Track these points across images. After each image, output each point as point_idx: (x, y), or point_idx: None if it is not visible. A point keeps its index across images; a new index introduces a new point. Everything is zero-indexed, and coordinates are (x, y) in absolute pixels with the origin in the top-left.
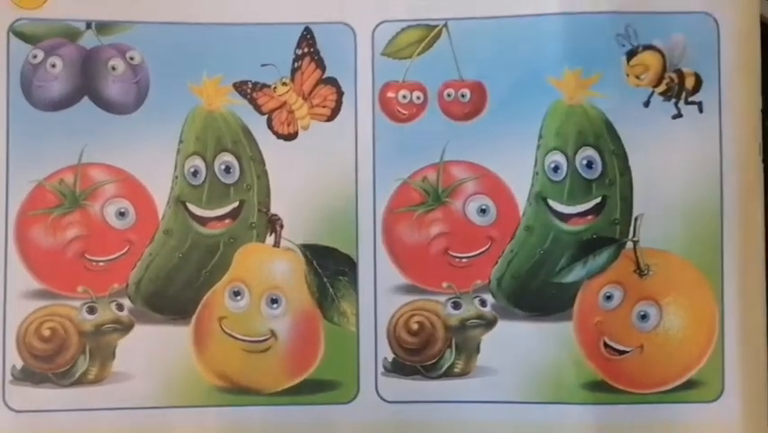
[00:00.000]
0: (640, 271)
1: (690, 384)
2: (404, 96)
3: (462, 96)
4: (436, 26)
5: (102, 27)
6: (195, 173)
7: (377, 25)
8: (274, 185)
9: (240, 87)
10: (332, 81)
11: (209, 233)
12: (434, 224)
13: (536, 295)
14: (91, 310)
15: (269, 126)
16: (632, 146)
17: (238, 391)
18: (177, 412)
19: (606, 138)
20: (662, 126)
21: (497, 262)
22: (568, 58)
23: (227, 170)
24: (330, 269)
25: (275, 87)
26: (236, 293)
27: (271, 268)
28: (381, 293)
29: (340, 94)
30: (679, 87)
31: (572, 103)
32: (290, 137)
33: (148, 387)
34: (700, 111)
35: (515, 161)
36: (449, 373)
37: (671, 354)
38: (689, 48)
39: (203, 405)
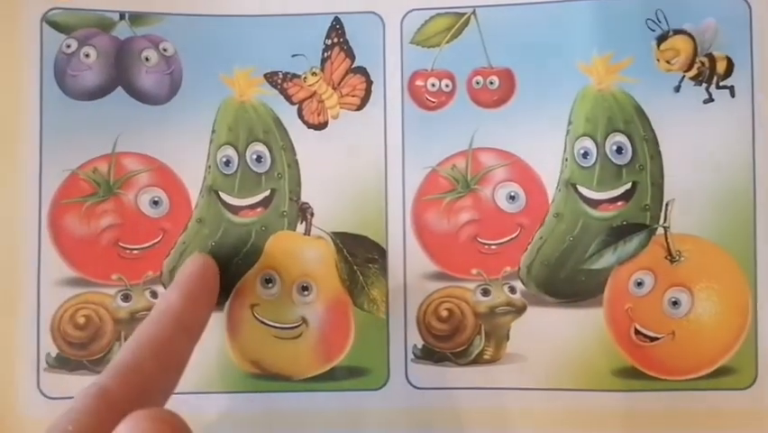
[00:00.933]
0: (671, 257)
1: (722, 371)
2: (433, 85)
3: (491, 83)
4: (465, 14)
5: (135, 18)
6: (227, 163)
7: (405, 14)
8: (305, 174)
9: (270, 78)
10: (361, 70)
11: (241, 221)
12: (464, 211)
13: (566, 282)
14: (126, 298)
15: (300, 116)
16: (662, 131)
17: (269, 378)
18: (209, 398)
19: (636, 123)
20: (694, 111)
21: (526, 249)
22: (597, 43)
23: (259, 159)
24: (360, 256)
25: (305, 78)
26: (268, 281)
27: (302, 256)
28: (411, 280)
29: (369, 83)
30: (710, 72)
31: (602, 88)
32: (320, 126)
33: None
34: (732, 95)
35: (544, 147)
36: (478, 360)
37: (702, 341)
38: (720, 31)
39: (235, 391)
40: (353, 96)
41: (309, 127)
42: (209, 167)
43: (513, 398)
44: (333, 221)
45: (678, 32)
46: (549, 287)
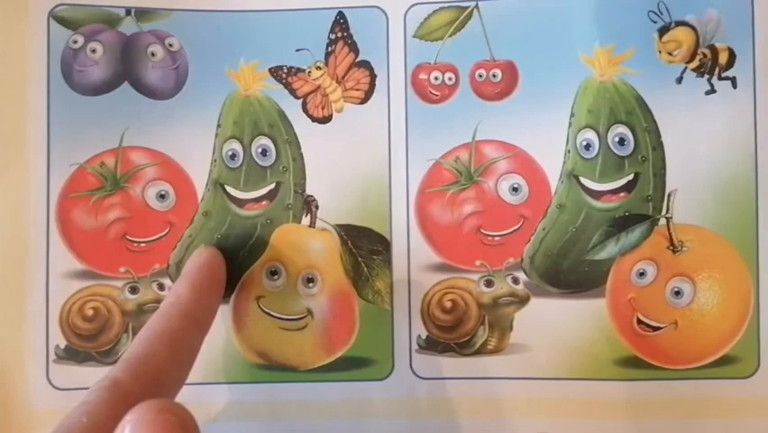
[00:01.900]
0: (673, 247)
1: (724, 360)
2: (436, 78)
3: (494, 76)
4: (467, 7)
5: (141, 14)
6: (232, 156)
7: (408, 8)
8: (309, 167)
9: (275, 72)
10: (365, 64)
11: (247, 214)
12: (467, 203)
13: (569, 272)
14: (133, 290)
15: (305, 110)
16: (664, 123)
17: (275, 368)
18: (216, 389)
19: (638, 115)
20: (696, 102)
21: (529, 240)
22: (599, 35)
23: (264, 152)
24: (364, 248)
25: (309, 72)
26: (273, 273)
27: (307, 248)
28: (415, 272)
29: (373, 77)
30: (712, 63)
31: (604, 80)
32: (325, 120)
33: None
34: (734, 86)
35: (546, 139)
36: (482, 351)
37: (705, 331)
38: (722, 23)
39: (241, 381)
40: (357, 89)
41: (314, 121)
42: (215, 161)
43: (516, 388)
44: (338, 213)
45: (680, 23)
46: (552, 278)
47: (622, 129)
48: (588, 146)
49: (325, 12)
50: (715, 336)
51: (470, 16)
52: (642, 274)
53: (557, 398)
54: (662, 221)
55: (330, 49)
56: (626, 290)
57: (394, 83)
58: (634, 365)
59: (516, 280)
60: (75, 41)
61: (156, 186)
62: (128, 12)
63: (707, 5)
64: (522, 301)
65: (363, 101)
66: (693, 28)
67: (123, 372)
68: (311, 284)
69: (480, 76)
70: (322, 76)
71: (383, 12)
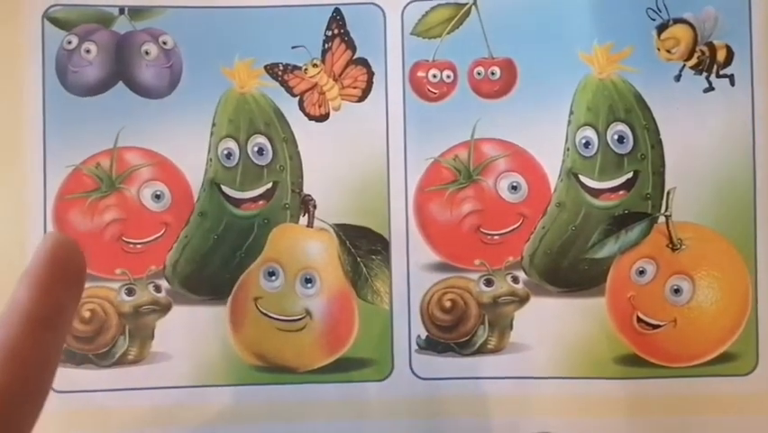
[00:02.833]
0: (673, 245)
1: (723, 358)
2: (434, 76)
3: (492, 73)
4: (465, 4)
5: (134, 12)
6: (228, 155)
7: (406, 5)
8: (306, 166)
9: (271, 70)
10: (362, 62)
11: (243, 214)
12: (466, 201)
13: (569, 271)
14: (130, 292)
15: (301, 108)
16: (663, 120)
17: (274, 370)
18: (214, 391)
19: (637, 112)
20: (694, 100)
21: (528, 239)
22: (598, 32)
23: (260, 151)
24: (363, 248)
25: (306, 69)
26: (271, 273)
27: (305, 248)
28: (414, 271)
29: (370, 74)
30: (710, 61)
31: (603, 78)
32: (322, 118)
33: (186, 366)
34: (732, 84)
35: (545, 137)
36: (482, 350)
37: (704, 328)
38: (720, 20)
39: (240, 384)
40: (355, 87)
41: (311, 119)
42: (210, 160)
43: (517, 387)
44: (336, 213)
45: (678, 20)
46: (551, 276)
47: (621, 127)
48: (587, 144)
49: (322, 8)
50: (714, 334)
51: (468, 13)
52: (641, 272)
53: (557, 396)
54: (662, 219)
55: (327, 46)
56: (626, 289)
57: (392, 81)
58: (633, 363)
59: (515, 279)
60: (69, 42)
61: (151, 186)
62: (121, 11)
63: (705, 3)
64: (522, 300)
65: (361, 99)
66: (691, 25)
67: None
68: (309, 285)
69: (479, 73)
70: (318, 73)
71: (380, 8)
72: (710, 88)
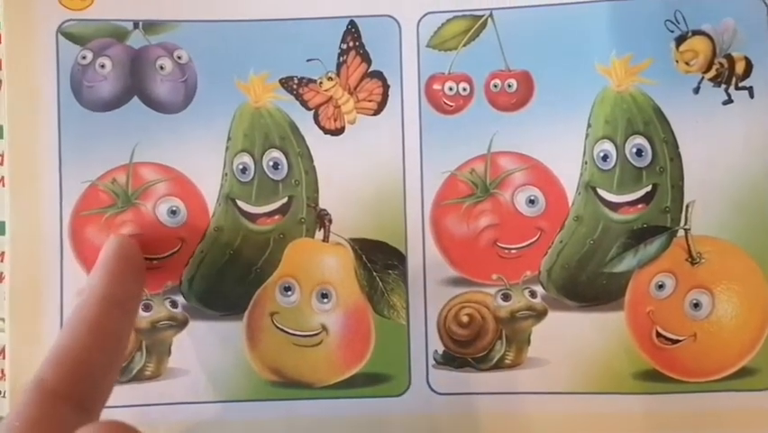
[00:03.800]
0: (692, 259)
1: (743, 372)
2: (450, 88)
3: (509, 86)
4: (482, 16)
5: (149, 27)
6: (243, 170)
7: (422, 17)
8: (322, 180)
9: (286, 83)
10: (377, 75)
11: (259, 229)
12: (483, 215)
13: (587, 285)
14: (146, 308)
15: (316, 122)
16: (682, 133)
17: (290, 385)
18: (231, 407)
19: (656, 125)
20: (713, 113)
21: (546, 253)
22: (616, 45)
23: (275, 166)
24: (379, 262)
25: (321, 82)
26: (287, 288)
27: (321, 263)
28: (431, 286)
29: (386, 87)
30: (729, 73)
31: (621, 90)
32: (337, 132)
33: (203, 382)
34: (751, 96)
35: (563, 150)
36: (500, 365)
37: (724, 343)
38: (739, 32)
39: (256, 399)
40: (370, 100)
41: (326, 133)
42: (226, 175)
43: (535, 402)
44: (352, 227)
45: (697, 32)
46: (570, 291)
47: (639, 140)
48: (605, 157)
49: (337, 21)
50: (734, 349)
51: (484, 25)
52: (660, 287)
53: (576, 412)
54: (681, 233)
55: (342, 59)
56: (645, 303)
57: (407, 94)
58: (653, 378)
59: (533, 294)
60: (84, 57)
61: (167, 202)
62: (136, 25)
63: (723, 15)
64: (539, 315)
65: (376, 112)
66: (710, 37)
67: (47, 369)
68: (325, 300)
69: (495, 86)
70: (334, 87)
71: (396, 21)
72: (729, 101)
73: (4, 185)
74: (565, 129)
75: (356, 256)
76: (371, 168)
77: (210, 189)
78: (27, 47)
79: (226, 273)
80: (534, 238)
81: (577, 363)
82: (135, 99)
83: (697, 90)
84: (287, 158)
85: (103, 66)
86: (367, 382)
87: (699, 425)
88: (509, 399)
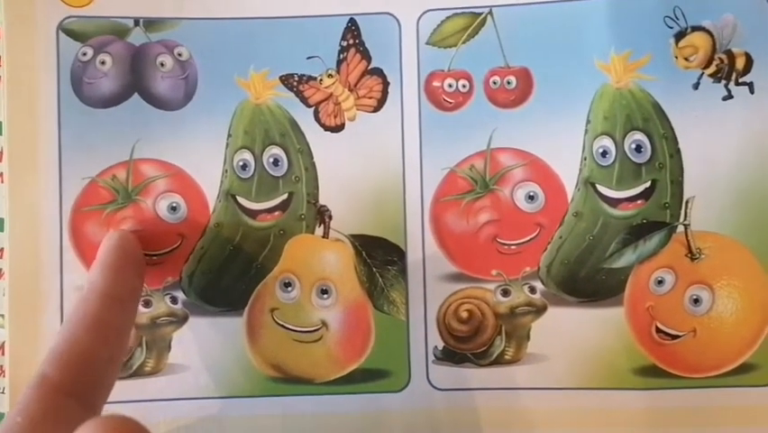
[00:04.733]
0: (692, 254)
1: (743, 368)
2: (450, 85)
3: (508, 83)
4: (481, 14)
5: (149, 24)
6: (244, 167)
7: (421, 14)
8: (322, 176)
9: (286, 80)
10: (377, 72)
11: (259, 225)
12: (483, 211)
13: (586, 281)
14: (146, 304)
15: (316, 118)
16: (682, 129)
17: (290, 381)
18: (231, 402)
19: (655, 121)
20: (713, 108)
21: (546, 249)
22: (615, 41)
23: (275, 162)
24: (379, 258)
25: (321, 80)
26: (287, 284)
27: (321, 259)
28: (430, 282)
29: (386, 84)
30: (729, 68)
31: (620, 86)
32: (337, 129)
33: (203, 378)
34: (751, 92)
35: (562, 146)
36: (499, 361)
37: (724, 338)
38: (738, 27)
39: (256, 395)
40: (370, 97)
41: (326, 130)
42: (226, 171)
43: (534, 398)
44: (352, 223)
45: (696, 28)
46: (569, 286)
47: (639, 136)
48: (604, 153)
49: (337, 18)
50: (734, 344)
51: (483, 22)
52: (660, 282)
53: (575, 408)
54: (680, 228)
55: (342, 56)
56: (645, 299)
57: (407, 91)
58: (652, 374)
59: (533, 290)
60: (84, 54)
61: (167, 198)
62: (136, 22)
63: (723, 10)
64: (539, 311)
65: (376, 109)
66: (710, 33)
67: (49, 364)
68: (325, 296)
69: (495, 83)
70: (334, 84)
71: (395, 18)
72: (729, 96)
73: (3, 181)
74: (564, 125)
75: (356, 252)
76: (371, 164)
77: (210, 186)
78: (28, 43)
79: (226, 269)
80: (534, 234)
81: (576, 358)
82: (136, 96)
83: (696, 86)
84: (287, 154)
85: (103, 63)
86: (367, 378)
87: (699, 421)
88: (509, 394)
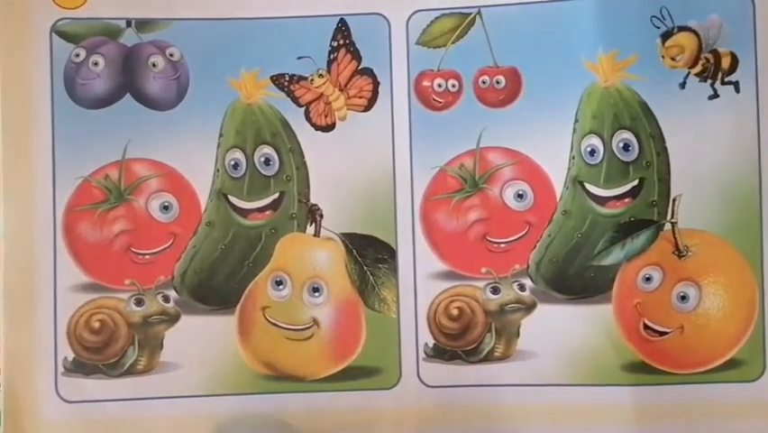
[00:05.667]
0: (679, 252)
1: (730, 364)
2: (439, 85)
3: (498, 82)
4: (470, 14)
5: (141, 25)
6: (235, 166)
7: (411, 15)
8: (313, 176)
9: (277, 80)
10: (367, 72)
11: (251, 224)
12: (472, 210)
13: (575, 278)
14: (139, 302)
15: (307, 118)
16: (668, 128)
17: (282, 379)
18: (223, 400)
19: (642, 120)
20: (699, 107)
21: (535, 247)
22: (602, 41)
23: (267, 162)
24: (370, 257)
25: (312, 80)
26: (278, 282)
27: (312, 257)
28: (421, 280)
29: (376, 84)
30: (715, 68)
31: (608, 86)
32: (328, 128)
33: (195, 376)
34: (737, 91)
35: (551, 145)
36: (489, 358)
37: (711, 335)
38: (724, 27)
39: (248, 393)
40: (360, 97)
41: (317, 129)
42: (218, 170)
43: (524, 394)
44: (343, 222)
45: (682, 28)
46: (558, 284)
47: (626, 135)
48: (592, 152)
49: (327, 19)
50: (721, 340)
51: (472, 23)
52: (648, 279)
53: (564, 404)
54: (668, 226)
55: (332, 56)
56: (633, 296)
57: (397, 90)
58: (640, 370)
59: (522, 287)
60: (77, 55)
61: (159, 197)
62: (128, 23)
63: (709, 11)
64: (528, 308)
65: (366, 109)
66: (696, 33)
67: None
68: (317, 294)
69: (484, 82)
70: (324, 84)
71: (385, 19)
72: (715, 95)
73: None
74: (553, 124)
75: (347, 251)
76: (362, 163)
77: (202, 185)
78: (21, 45)
79: (218, 268)
80: (523, 232)
81: (565, 355)
82: (128, 96)
83: (683, 85)
84: (278, 154)
85: (96, 63)
86: (358, 375)
87: (687, 416)
88: (499, 391)
